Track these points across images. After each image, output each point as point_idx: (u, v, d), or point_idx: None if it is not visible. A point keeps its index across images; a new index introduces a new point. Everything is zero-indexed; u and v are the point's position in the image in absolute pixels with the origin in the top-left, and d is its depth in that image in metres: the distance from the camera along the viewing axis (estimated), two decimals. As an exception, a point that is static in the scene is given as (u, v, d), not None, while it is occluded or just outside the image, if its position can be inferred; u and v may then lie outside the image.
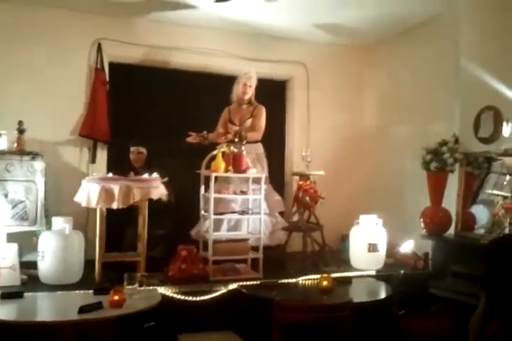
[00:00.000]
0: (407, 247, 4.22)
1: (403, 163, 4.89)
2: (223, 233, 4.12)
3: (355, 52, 5.61)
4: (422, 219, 4.04)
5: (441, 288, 3.78)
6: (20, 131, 3.84)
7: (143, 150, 4.48)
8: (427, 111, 4.73)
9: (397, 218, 4.44)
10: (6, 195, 3.64)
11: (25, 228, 3.69)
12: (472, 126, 3.92)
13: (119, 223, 3.99)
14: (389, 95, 5.31)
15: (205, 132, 4.45)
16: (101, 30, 4.73)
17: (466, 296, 3.38)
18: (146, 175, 3.71)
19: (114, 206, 3.45)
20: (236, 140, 3.93)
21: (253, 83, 4.52)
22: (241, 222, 4.18)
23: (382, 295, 3.51)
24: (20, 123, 3.86)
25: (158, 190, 3.63)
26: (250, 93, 4.54)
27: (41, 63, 4.54)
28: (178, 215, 4.33)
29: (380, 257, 4.10)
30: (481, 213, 3.91)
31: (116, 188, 3.46)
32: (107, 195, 3.45)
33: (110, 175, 3.65)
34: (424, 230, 4.04)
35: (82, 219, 4.09)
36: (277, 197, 4.62)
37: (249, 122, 4.52)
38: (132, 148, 4.48)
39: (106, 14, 4.70)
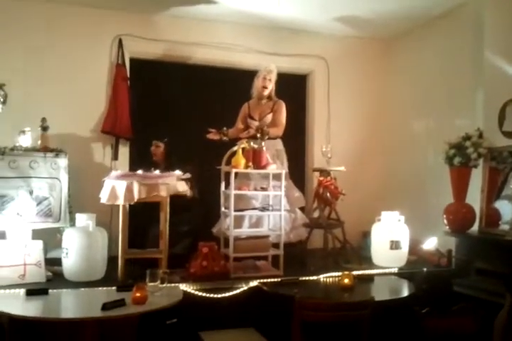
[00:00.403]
0: (430, 244, 4.18)
1: (425, 158, 4.83)
2: (244, 230, 4.12)
3: (375, 45, 5.54)
4: (445, 216, 3.99)
5: (465, 285, 3.74)
6: (44, 128, 3.88)
7: (160, 144, 4.49)
8: (450, 104, 4.64)
9: (419, 214, 4.39)
10: (30, 192, 3.69)
11: (50, 225, 3.74)
12: (497, 119, 3.85)
13: (142, 220, 4.03)
14: (411, 89, 5.22)
15: (225, 128, 4.45)
16: (122, 26, 4.76)
17: (491, 294, 3.35)
18: (168, 172, 3.73)
19: (119, 203, 3.49)
20: (258, 135, 3.91)
21: (273, 77, 4.49)
22: (262, 219, 4.17)
23: (405, 293, 3.48)
24: (43, 120, 3.90)
25: (171, 187, 3.60)
26: (270, 87, 4.51)
27: (63, 60, 4.60)
28: (201, 212, 4.34)
29: (402, 254, 4.06)
30: (505, 209, 3.84)
31: (121, 185, 3.49)
32: (112, 192, 3.51)
33: (119, 172, 3.68)
34: (448, 227, 3.99)
35: (106, 216, 4.13)
36: (298, 193, 4.59)
37: (269, 117, 4.50)
38: (153, 142, 4.52)
39: (127, 10, 4.73)
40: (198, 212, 4.30)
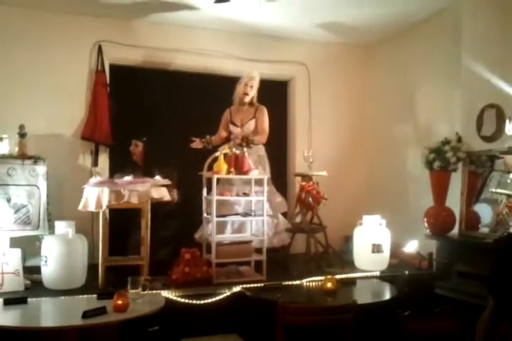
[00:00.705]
0: (411, 247, 4.21)
1: (406, 162, 4.88)
2: (226, 235, 4.11)
3: (356, 51, 5.60)
4: (425, 219, 4.03)
5: (446, 288, 3.77)
6: (22, 135, 3.83)
7: (139, 143, 4.47)
8: (429, 109, 4.71)
9: (400, 218, 4.43)
10: (8, 200, 3.64)
11: (28, 232, 3.69)
12: (475, 124, 3.90)
13: (124, 226, 3.99)
14: (392, 94, 5.28)
15: (208, 136, 4.43)
16: (101, 32, 4.74)
17: (472, 296, 3.37)
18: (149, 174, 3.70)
19: (90, 209, 3.50)
20: (244, 145, 3.92)
21: (255, 84, 4.50)
22: (245, 225, 4.17)
23: (387, 296, 3.50)
24: (21, 127, 3.85)
25: (142, 193, 3.54)
26: (251, 94, 4.52)
27: (42, 66, 4.55)
28: (182, 217, 4.32)
29: (384, 258, 4.09)
30: (484, 212, 3.89)
31: (93, 193, 3.49)
32: (85, 199, 3.54)
33: (98, 178, 3.64)
34: (428, 230, 4.03)
35: (87, 223, 4.08)
36: (280, 198, 4.60)
37: (251, 123, 4.51)
38: (132, 141, 4.50)
39: (106, 16, 4.70)
40: (179, 218, 4.27)
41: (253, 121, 4.51)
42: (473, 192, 3.97)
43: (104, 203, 3.44)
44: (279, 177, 5.03)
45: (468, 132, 3.96)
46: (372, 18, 4.74)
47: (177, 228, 4.25)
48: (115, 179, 3.63)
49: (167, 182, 3.75)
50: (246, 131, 4.47)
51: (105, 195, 3.45)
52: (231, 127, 4.58)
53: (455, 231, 3.97)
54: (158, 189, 3.68)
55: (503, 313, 1.87)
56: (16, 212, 3.65)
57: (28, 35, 4.51)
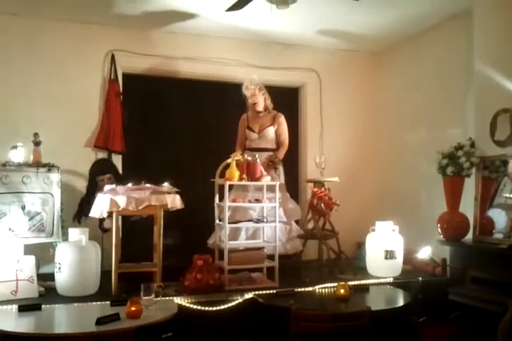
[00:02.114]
0: (424, 253, 4.17)
1: (418, 168, 4.85)
2: (239, 242, 4.11)
3: (366, 57, 5.61)
4: (438, 225, 3.99)
5: (460, 294, 3.72)
6: (36, 143, 3.86)
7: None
8: (441, 115, 4.69)
9: (413, 224, 4.39)
10: (23, 207, 3.67)
11: (42, 240, 3.71)
12: (488, 129, 3.87)
13: (137, 233, 4.01)
14: (403, 100, 5.27)
15: (272, 154, 4.39)
16: (114, 41, 4.81)
17: (486, 302, 3.34)
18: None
19: (93, 216, 3.57)
20: (273, 166, 4.05)
21: (257, 90, 4.46)
22: (259, 231, 4.15)
23: (401, 302, 3.45)
24: (35, 135, 3.88)
25: (139, 200, 3.53)
26: (261, 100, 4.51)
27: (56, 76, 4.62)
28: (193, 224, 4.33)
29: (397, 264, 4.06)
30: (498, 217, 3.84)
31: (98, 200, 3.56)
32: (94, 207, 3.59)
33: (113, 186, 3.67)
34: (442, 236, 3.99)
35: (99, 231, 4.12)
36: (294, 205, 4.59)
37: (269, 130, 4.51)
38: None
39: (118, 26, 4.76)
40: (188, 224, 4.24)
41: (271, 128, 4.52)
42: (487, 198, 3.92)
43: (105, 210, 3.48)
44: (291, 184, 5.03)
45: (482, 137, 3.93)
46: (381, 25, 4.75)
47: (185, 234, 4.23)
48: (117, 187, 3.64)
49: (172, 189, 3.70)
50: (263, 138, 4.48)
51: (106, 202, 3.48)
52: (248, 132, 4.59)
53: (469, 236, 3.93)
54: (162, 196, 3.61)
55: None
56: (30, 219, 3.67)
57: (42, 45, 4.58)
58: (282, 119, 4.56)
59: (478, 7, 4.06)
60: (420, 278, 3.82)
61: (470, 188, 3.98)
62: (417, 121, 5.01)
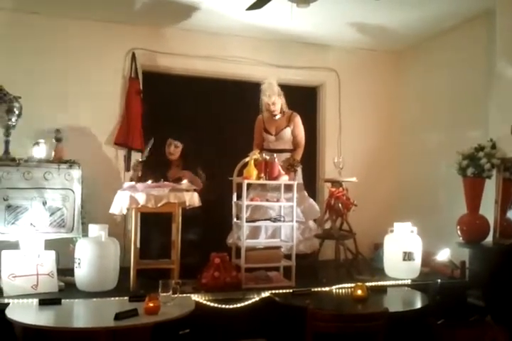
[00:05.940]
0: (443, 256, 4.12)
1: (438, 168, 4.80)
2: (256, 240, 4.11)
3: (386, 57, 5.57)
4: (458, 227, 3.95)
5: (479, 297, 3.68)
6: (58, 140, 3.92)
7: (179, 144, 4.34)
8: (461, 115, 4.64)
9: (432, 226, 4.35)
10: (44, 203, 3.72)
11: (63, 235, 3.76)
12: (509, 130, 3.83)
13: (156, 230, 4.03)
14: (422, 100, 5.23)
15: (289, 157, 4.34)
16: (135, 40, 4.84)
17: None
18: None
19: (113, 212, 3.64)
20: (291, 169, 4.01)
21: (276, 92, 4.40)
22: (279, 230, 4.14)
23: (418, 304, 3.44)
24: (57, 131, 3.94)
25: (158, 198, 3.57)
26: (278, 103, 4.46)
27: (77, 74, 4.67)
28: (212, 222, 4.33)
29: (415, 266, 4.02)
30: (519, 220, 3.80)
31: (118, 197, 3.64)
32: (114, 203, 3.67)
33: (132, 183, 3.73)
34: (461, 238, 3.95)
35: (120, 226, 4.13)
36: (312, 204, 4.58)
37: (286, 132, 4.49)
38: (171, 141, 4.35)
39: (139, 24, 4.80)
40: (205, 222, 4.23)
41: (288, 129, 4.51)
42: (508, 200, 3.87)
43: (124, 207, 3.54)
44: (309, 183, 5.00)
45: (503, 138, 3.89)
46: (401, 24, 4.72)
47: (202, 232, 4.23)
48: (137, 184, 3.68)
49: (190, 186, 3.75)
50: (280, 139, 4.49)
51: (125, 199, 3.54)
52: (265, 135, 4.58)
53: (489, 239, 3.88)
54: (181, 193, 3.65)
55: None
56: (51, 214, 3.72)
57: (63, 44, 4.64)
58: (298, 119, 4.54)
59: (501, 6, 4.01)
60: (439, 281, 3.78)
61: (490, 190, 3.94)
62: (437, 121, 4.97)
